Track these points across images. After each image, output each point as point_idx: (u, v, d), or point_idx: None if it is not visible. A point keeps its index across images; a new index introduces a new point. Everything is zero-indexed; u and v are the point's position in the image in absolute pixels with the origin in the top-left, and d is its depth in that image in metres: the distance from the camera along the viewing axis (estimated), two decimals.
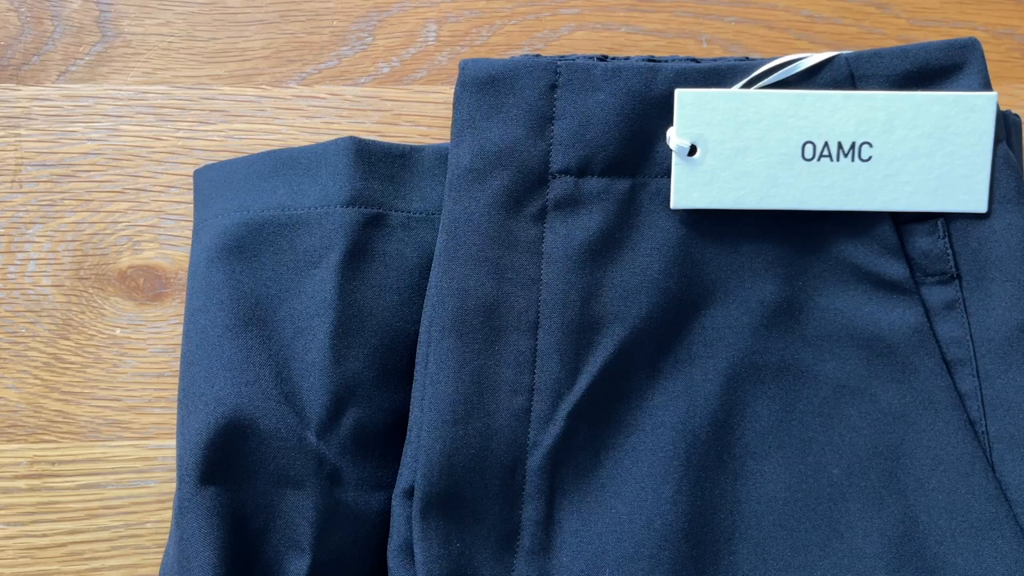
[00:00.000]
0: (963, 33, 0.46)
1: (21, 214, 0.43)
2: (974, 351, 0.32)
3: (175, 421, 0.39)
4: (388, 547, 0.33)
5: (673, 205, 0.33)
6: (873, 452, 0.33)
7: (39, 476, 0.41)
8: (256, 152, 0.38)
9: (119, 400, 0.42)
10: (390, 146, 0.36)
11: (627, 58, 0.34)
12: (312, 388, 0.34)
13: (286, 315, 0.34)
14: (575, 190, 0.33)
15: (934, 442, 0.32)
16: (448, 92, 0.45)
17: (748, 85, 0.34)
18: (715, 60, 0.34)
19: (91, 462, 0.42)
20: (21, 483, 0.41)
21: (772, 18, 0.46)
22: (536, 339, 0.33)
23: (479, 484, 0.32)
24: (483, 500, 0.32)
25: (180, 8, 0.45)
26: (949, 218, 0.33)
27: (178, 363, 0.40)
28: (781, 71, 0.34)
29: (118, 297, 0.43)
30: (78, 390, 0.42)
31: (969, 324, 0.33)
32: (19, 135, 0.44)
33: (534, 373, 0.33)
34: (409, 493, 0.33)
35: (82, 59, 0.44)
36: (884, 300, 0.33)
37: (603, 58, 0.34)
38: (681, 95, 0.33)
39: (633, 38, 0.46)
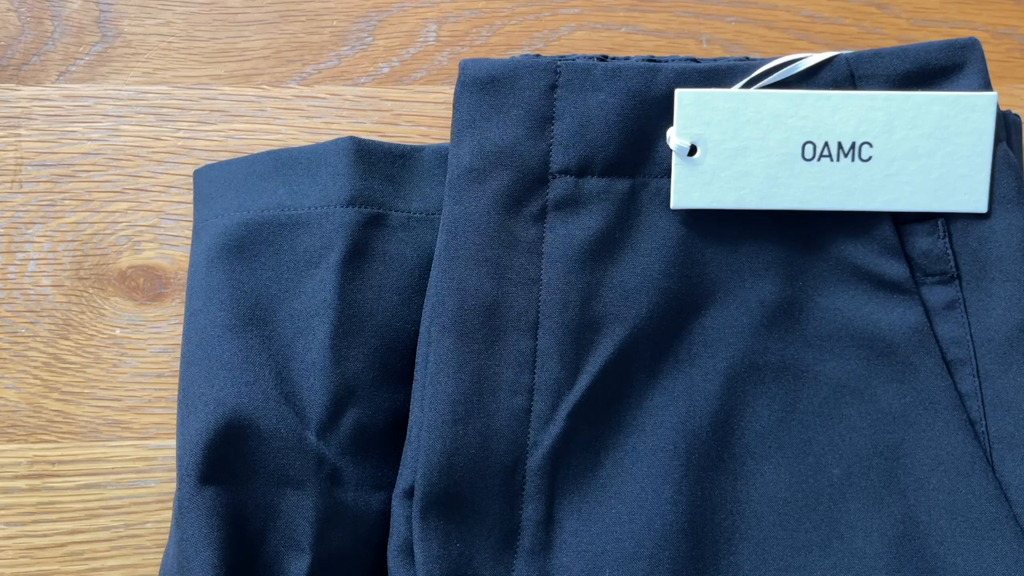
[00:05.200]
0: (963, 33, 0.46)
1: (21, 214, 0.43)
2: (974, 351, 0.32)
3: (175, 421, 0.39)
4: (388, 547, 0.33)
5: (673, 205, 0.33)
6: (873, 452, 0.33)
7: (39, 476, 0.41)
8: (256, 152, 0.38)
9: (119, 400, 0.42)
10: (390, 146, 0.36)
11: (627, 58, 0.34)
12: (312, 388, 0.34)
13: (286, 315, 0.34)
14: (575, 190, 0.33)
15: (934, 442, 0.32)
16: (448, 92, 0.45)
17: (748, 85, 0.34)
18: (715, 60, 0.34)
19: (91, 462, 0.42)
20: (21, 483, 0.41)
21: (772, 18, 0.46)
22: (536, 339, 0.33)
23: (479, 484, 0.32)
24: (483, 500, 0.32)
25: (180, 8, 0.45)
26: (949, 218, 0.33)
27: (178, 363, 0.40)
28: (781, 71, 0.34)
29: (118, 297, 0.43)
30: (78, 390, 0.42)
31: (969, 324, 0.33)
32: (19, 135, 0.44)
33: (534, 373, 0.33)
34: (409, 493, 0.33)
35: (82, 59, 0.44)
36: (884, 300, 0.33)
37: (603, 58, 0.34)
38: (681, 95, 0.33)
39: (633, 38, 0.46)
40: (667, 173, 0.34)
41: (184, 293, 0.42)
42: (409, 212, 0.36)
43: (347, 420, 0.34)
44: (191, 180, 0.42)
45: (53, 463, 0.42)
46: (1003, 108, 0.34)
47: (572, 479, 0.33)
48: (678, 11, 0.46)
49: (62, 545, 0.41)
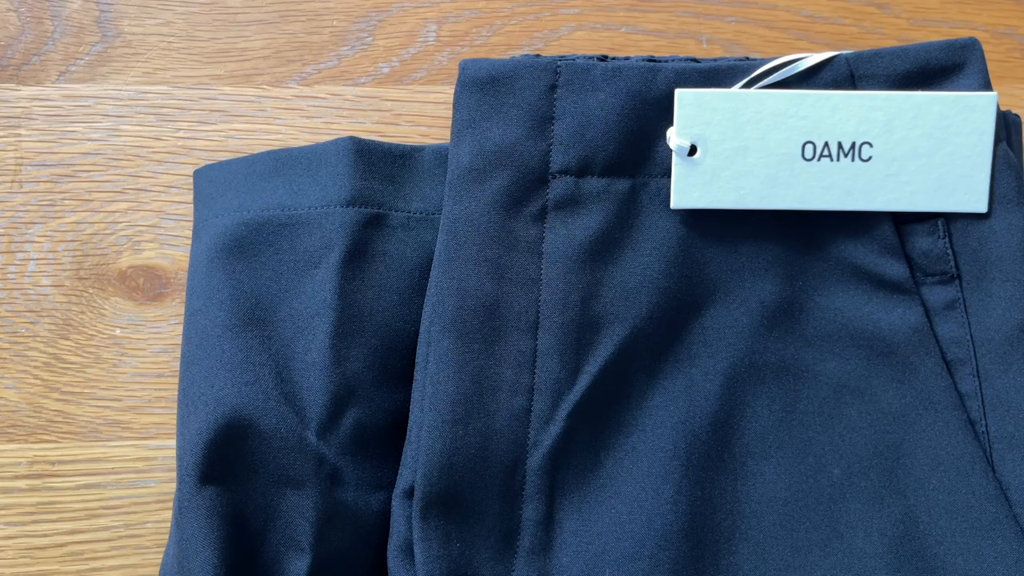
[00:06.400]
0: (963, 33, 0.46)
1: (21, 214, 0.43)
2: (974, 351, 0.32)
3: (175, 421, 0.39)
4: (388, 547, 0.33)
5: (673, 205, 0.33)
6: (873, 452, 0.33)
7: (39, 476, 0.41)
8: (256, 152, 0.38)
9: (119, 400, 0.42)
10: (390, 146, 0.36)
11: (627, 58, 0.34)
12: (312, 388, 0.34)
13: (286, 315, 0.34)
14: (575, 190, 0.33)
15: (934, 442, 0.32)
16: (448, 92, 0.45)
17: (748, 85, 0.34)
18: (715, 60, 0.34)
19: (91, 462, 0.42)
20: (21, 483, 0.41)
21: (772, 18, 0.46)
22: (536, 339, 0.33)
23: (479, 484, 0.32)
24: (483, 500, 0.32)
25: (180, 8, 0.45)
26: (949, 218, 0.33)
27: (178, 363, 0.40)
28: (781, 71, 0.34)
29: (118, 297, 0.43)
30: (78, 390, 0.42)
31: (969, 324, 0.33)
32: (19, 135, 0.44)
33: (534, 373, 0.33)
34: (409, 493, 0.33)
35: (82, 59, 0.44)
36: (884, 300, 0.33)
37: (603, 58, 0.34)
38: (681, 95, 0.33)
39: (633, 38, 0.46)
40: (667, 173, 0.34)
41: (184, 293, 0.42)
42: (409, 212, 0.36)
43: (347, 420, 0.34)
44: (191, 180, 0.42)
45: (53, 463, 0.42)
46: (1003, 108, 0.34)
47: (572, 479, 0.33)
48: (678, 11, 0.46)
49: (62, 545, 0.41)
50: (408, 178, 0.36)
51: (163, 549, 0.40)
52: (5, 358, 0.42)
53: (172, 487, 0.41)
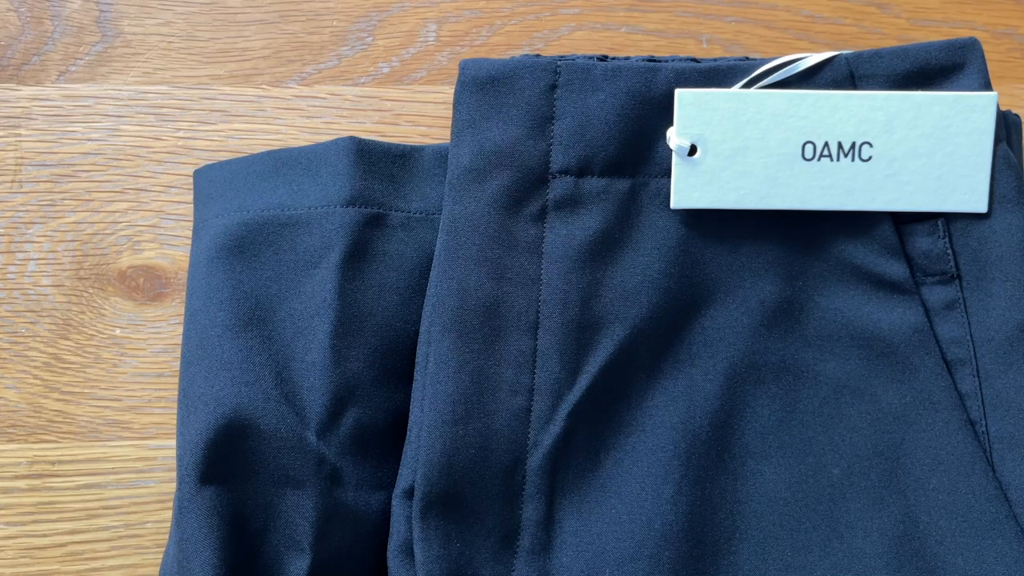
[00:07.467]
0: (963, 33, 0.46)
1: (21, 214, 0.43)
2: (974, 351, 0.32)
3: (175, 421, 0.39)
4: (388, 547, 0.33)
5: (673, 205, 0.33)
6: (873, 452, 0.33)
7: (39, 476, 0.42)
8: (256, 152, 0.38)
9: (119, 400, 0.42)
10: (390, 146, 0.36)
11: (627, 58, 0.34)
12: (312, 388, 0.34)
13: (286, 315, 0.34)
14: (575, 190, 0.33)
15: (934, 442, 0.32)
16: (448, 92, 0.45)
17: (748, 85, 0.34)
18: (715, 60, 0.34)
19: (91, 462, 0.42)
20: (21, 483, 0.41)
21: (772, 18, 0.46)
22: (536, 339, 0.33)
23: (479, 484, 0.32)
24: (483, 500, 0.32)
25: (180, 8, 0.45)
26: (949, 218, 0.33)
27: (178, 363, 0.40)
28: (781, 71, 0.34)
29: (118, 297, 0.43)
30: (78, 390, 0.42)
31: (969, 324, 0.33)
32: (19, 135, 0.44)
33: (534, 373, 0.33)
34: (409, 493, 0.33)
35: (82, 59, 0.44)
36: (884, 300, 0.33)
37: (603, 58, 0.34)
38: (681, 95, 0.33)
39: (633, 38, 0.46)
40: (667, 173, 0.34)
41: (184, 293, 0.42)
42: (409, 212, 0.36)
43: (347, 420, 0.34)
44: (191, 180, 0.42)
45: (53, 463, 0.42)
46: (1003, 108, 0.34)
47: (572, 479, 0.33)
48: (678, 11, 0.46)
49: (62, 545, 0.41)
50: (408, 178, 0.36)
51: (163, 549, 0.40)
52: (5, 358, 0.42)
53: (172, 487, 0.41)
